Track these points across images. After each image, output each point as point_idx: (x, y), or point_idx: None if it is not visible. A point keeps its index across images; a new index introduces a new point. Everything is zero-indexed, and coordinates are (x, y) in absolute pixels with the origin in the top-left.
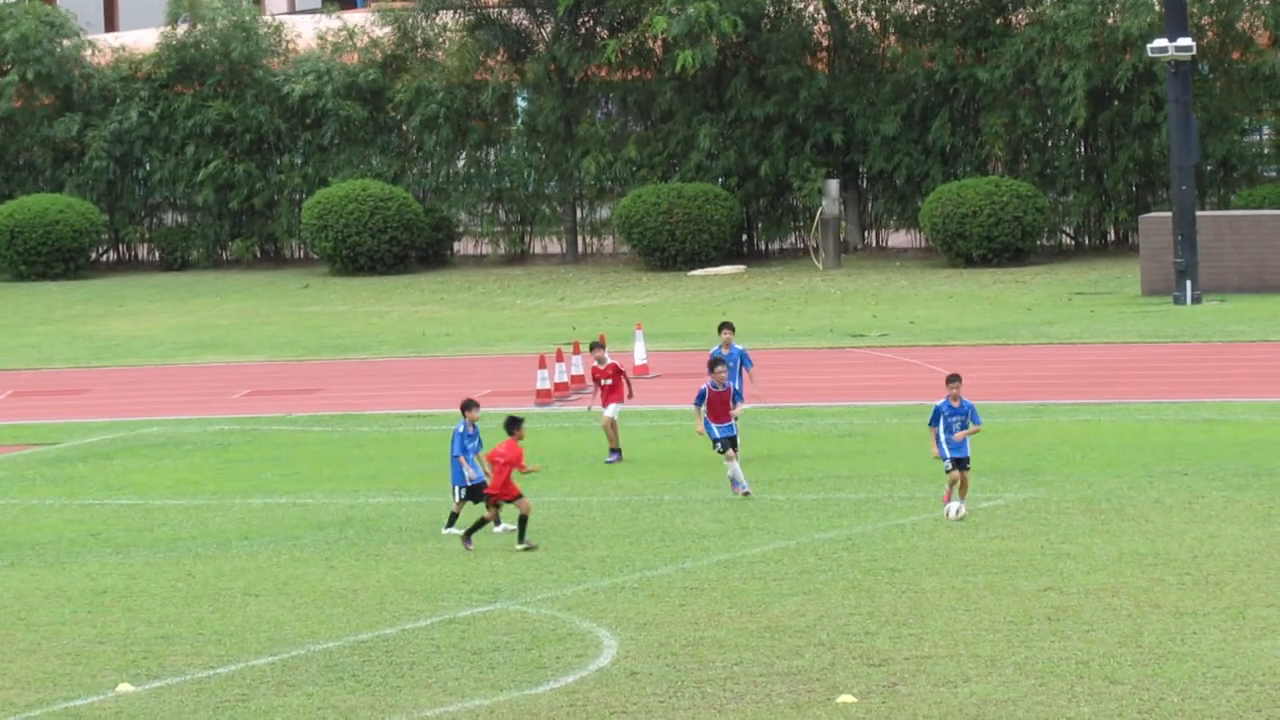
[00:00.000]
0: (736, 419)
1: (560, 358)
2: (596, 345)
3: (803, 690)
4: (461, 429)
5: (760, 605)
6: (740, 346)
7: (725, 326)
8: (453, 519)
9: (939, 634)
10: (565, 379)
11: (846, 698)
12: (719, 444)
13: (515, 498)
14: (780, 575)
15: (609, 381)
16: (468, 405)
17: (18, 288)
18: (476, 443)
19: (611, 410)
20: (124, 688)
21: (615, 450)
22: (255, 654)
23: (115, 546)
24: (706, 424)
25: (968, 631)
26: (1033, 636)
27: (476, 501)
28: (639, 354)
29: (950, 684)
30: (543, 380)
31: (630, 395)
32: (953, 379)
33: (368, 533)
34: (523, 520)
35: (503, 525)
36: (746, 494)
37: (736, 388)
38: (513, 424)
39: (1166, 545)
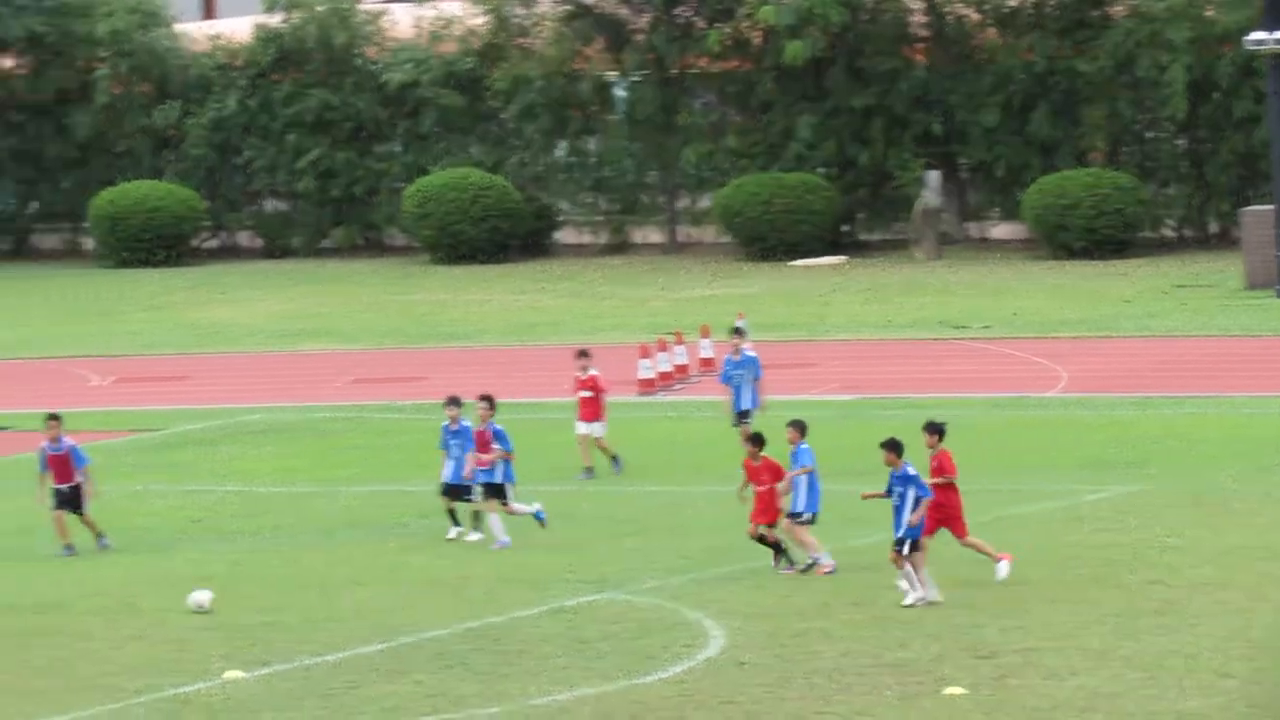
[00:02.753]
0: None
1: (663, 347)
2: (581, 354)
3: (911, 682)
4: (445, 425)
5: (866, 596)
6: (752, 353)
7: (736, 332)
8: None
9: (1046, 627)
10: (668, 368)
11: (955, 689)
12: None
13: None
14: (886, 566)
15: (588, 394)
16: (448, 402)
17: (120, 274)
18: (462, 440)
19: (587, 428)
20: (232, 674)
21: (588, 469)
22: (364, 641)
23: (220, 533)
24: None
25: (1074, 625)
26: (1140, 630)
27: (456, 500)
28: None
29: (1058, 677)
30: (645, 370)
31: (601, 418)
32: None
33: (475, 521)
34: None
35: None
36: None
37: (745, 402)
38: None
39: (1275, 539)
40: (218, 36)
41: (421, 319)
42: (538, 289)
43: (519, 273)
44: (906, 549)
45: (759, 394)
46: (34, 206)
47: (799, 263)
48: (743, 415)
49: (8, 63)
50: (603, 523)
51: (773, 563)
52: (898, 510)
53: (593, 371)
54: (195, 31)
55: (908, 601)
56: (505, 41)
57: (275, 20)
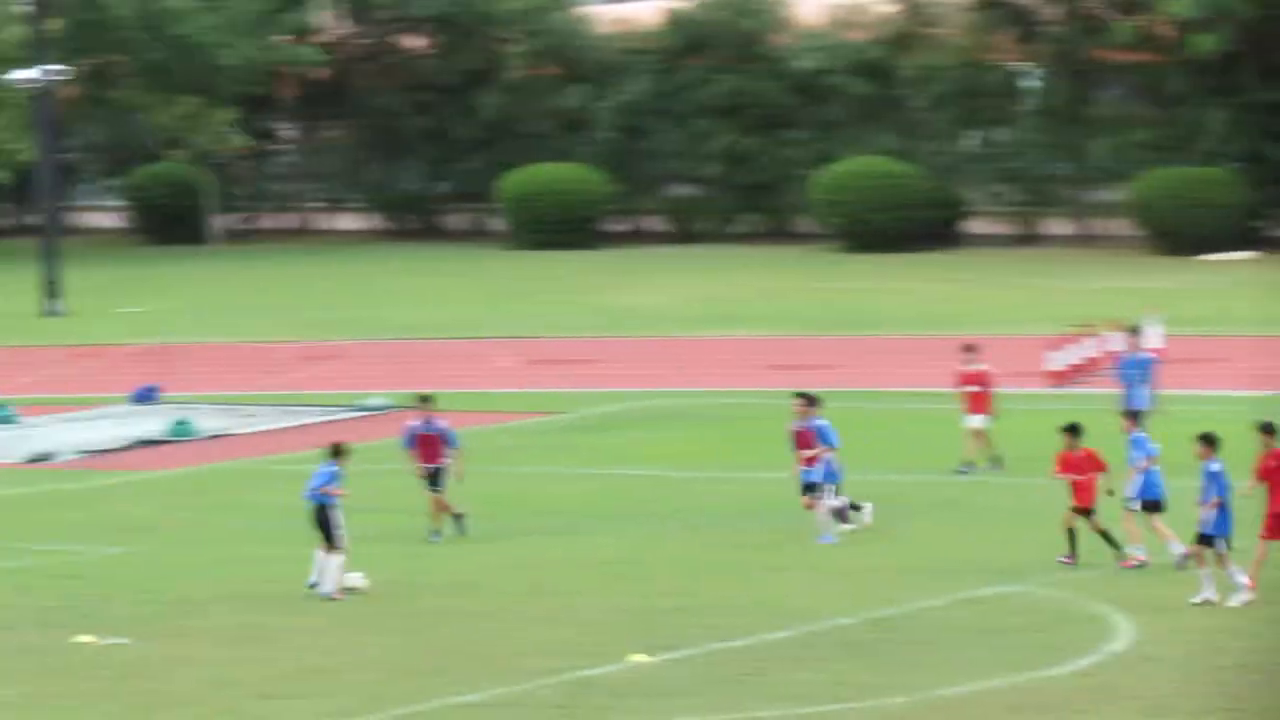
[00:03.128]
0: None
1: (1072, 340)
2: (968, 348)
3: None
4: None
5: (1275, 593)
6: (1149, 353)
7: (1134, 330)
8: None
9: None
10: (1077, 361)
11: None
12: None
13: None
14: None
15: (975, 388)
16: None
17: (527, 256)
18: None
19: (976, 421)
20: (638, 658)
21: (968, 463)
22: (770, 628)
23: (627, 516)
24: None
25: None
26: None
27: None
28: (1154, 339)
29: None
30: (1056, 362)
31: (990, 411)
32: None
33: (881, 510)
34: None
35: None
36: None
37: (1137, 401)
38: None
39: None
40: (628, 20)
41: (829, 306)
42: (946, 279)
43: (927, 262)
44: (1211, 544)
45: (1151, 394)
46: (443, 186)
47: (1209, 257)
48: (1133, 414)
49: (418, 43)
50: (1008, 515)
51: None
52: (1210, 503)
53: (980, 366)
54: (605, 14)
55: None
56: (916, 30)
57: (687, 4)
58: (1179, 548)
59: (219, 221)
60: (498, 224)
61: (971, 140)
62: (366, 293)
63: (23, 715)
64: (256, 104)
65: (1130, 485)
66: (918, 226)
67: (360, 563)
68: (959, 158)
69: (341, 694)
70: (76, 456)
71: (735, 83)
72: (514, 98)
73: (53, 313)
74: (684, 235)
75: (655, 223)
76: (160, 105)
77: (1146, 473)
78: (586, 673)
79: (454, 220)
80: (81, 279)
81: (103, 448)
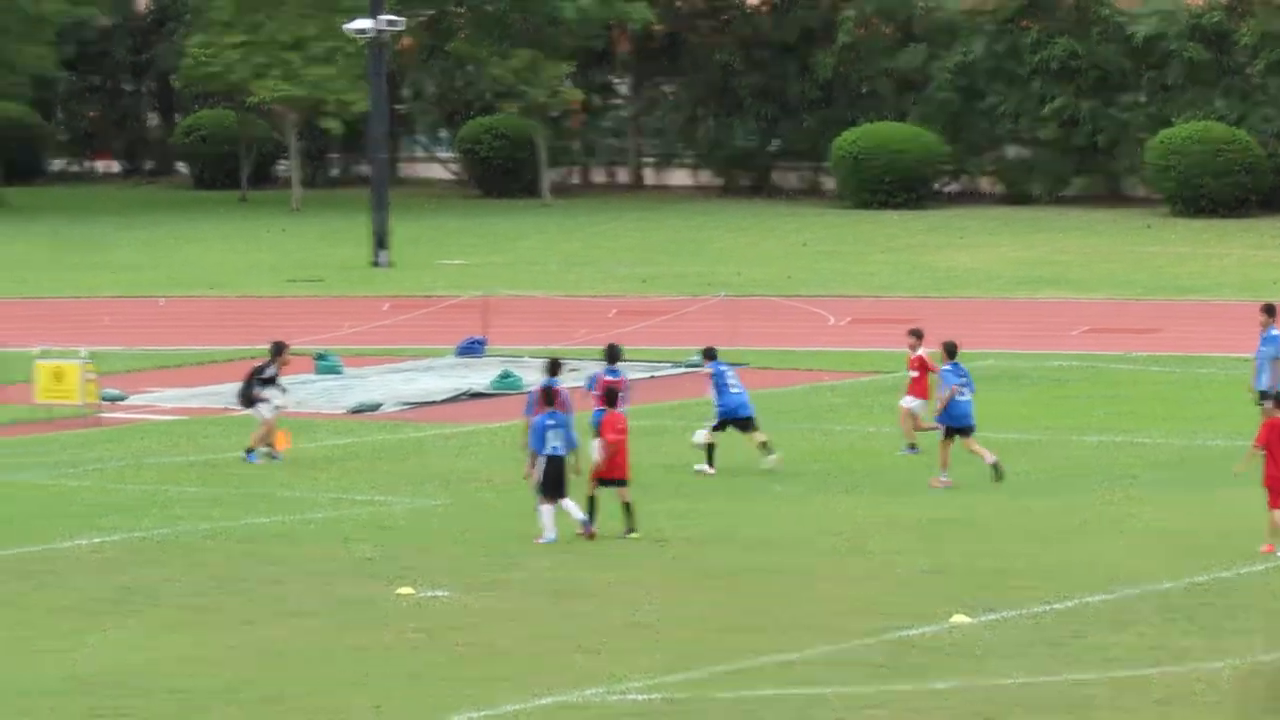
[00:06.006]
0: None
1: None
2: (912, 333)
3: None
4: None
5: None
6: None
7: (1266, 310)
8: None
9: None
10: None
11: None
12: None
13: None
14: None
15: (914, 374)
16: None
17: (859, 215)
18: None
19: (907, 402)
20: (958, 619)
21: (911, 445)
22: (1090, 591)
23: (951, 479)
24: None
25: None
26: None
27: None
28: None
29: None
30: None
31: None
32: None
33: (1204, 474)
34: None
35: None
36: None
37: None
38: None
39: None
40: None
41: (1158, 271)
42: (1277, 245)
43: (1259, 228)
44: None
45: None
46: (776, 144)
47: None
48: (1263, 395)
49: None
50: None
51: None
52: None
53: (920, 353)
54: None
55: None
56: None
57: None
58: None
59: (548, 176)
60: (830, 182)
61: None
62: (696, 249)
63: (344, 665)
64: (592, 58)
65: None
66: (1251, 192)
67: (678, 519)
68: None
69: (661, 650)
70: (400, 408)
71: (1071, 45)
72: (849, 57)
73: (380, 263)
74: (1016, 197)
75: (987, 184)
76: (496, 57)
77: None
78: (907, 633)
79: (786, 178)
80: (411, 230)
81: (427, 399)
